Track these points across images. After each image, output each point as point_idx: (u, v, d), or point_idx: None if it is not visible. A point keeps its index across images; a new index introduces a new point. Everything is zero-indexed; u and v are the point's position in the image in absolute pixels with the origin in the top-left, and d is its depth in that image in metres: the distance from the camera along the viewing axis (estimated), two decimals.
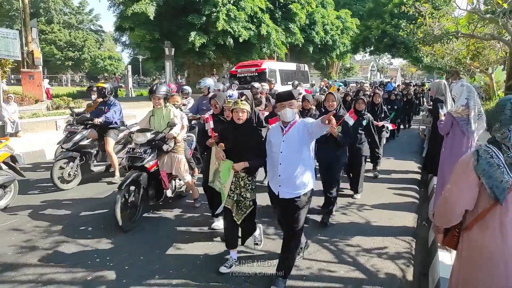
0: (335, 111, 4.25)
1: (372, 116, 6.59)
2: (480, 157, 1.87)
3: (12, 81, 37.77)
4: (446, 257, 3.42)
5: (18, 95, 13.80)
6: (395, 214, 5.14)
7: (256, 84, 8.78)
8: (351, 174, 6.03)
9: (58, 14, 52.74)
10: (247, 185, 3.55)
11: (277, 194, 3.25)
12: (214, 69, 27.76)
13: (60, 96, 18.04)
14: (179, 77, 34.36)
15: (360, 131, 5.73)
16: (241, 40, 23.01)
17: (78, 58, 50.24)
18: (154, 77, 54.70)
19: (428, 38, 11.94)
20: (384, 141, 7.91)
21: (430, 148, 5.89)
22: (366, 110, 6.02)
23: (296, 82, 13.23)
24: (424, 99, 16.83)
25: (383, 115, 7.44)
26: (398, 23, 31.25)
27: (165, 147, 4.87)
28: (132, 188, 4.64)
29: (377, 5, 36.83)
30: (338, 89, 13.83)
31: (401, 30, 16.38)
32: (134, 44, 31.80)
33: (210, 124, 3.97)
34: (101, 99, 6.92)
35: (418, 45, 16.71)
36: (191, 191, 5.47)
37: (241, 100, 3.51)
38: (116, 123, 6.64)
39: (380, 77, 55.54)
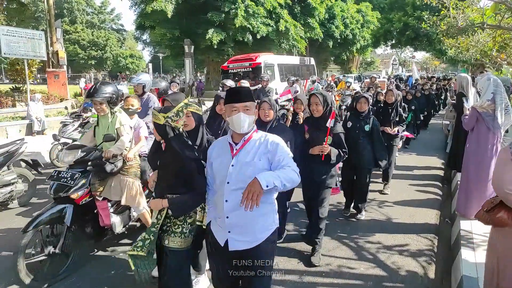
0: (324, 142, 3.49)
1: (384, 119, 5.55)
2: None
3: (38, 81, 38.99)
4: (469, 255, 3.35)
5: (44, 94, 14.25)
6: (417, 211, 5.06)
7: (229, 82, 7.31)
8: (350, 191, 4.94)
9: (81, 14, 54.03)
10: (178, 227, 2.47)
11: (223, 244, 2.18)
12: None
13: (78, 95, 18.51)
14: (198, 74, 34.64)
15: (362, 139, 4.56)
16: (259, 36, 22.96)
17: (101, 57, 51.35)
18: (174, 74, 55.33)
19: (452, 30, 11.59)
20: (396, 153, 6.17)
21: (453, 144, 5.75)
22: (370, 111, 4.77)
23: (293, 78, 11.66)
24: (448, 93, 15.00)
25: (398, 119, 5.77)
26: (420, 15, 30.42)
27: (108, 168, 3.64)
28: (62, 226, 3.41)
29: None
30: (349, 86, 11.60)
31: (423, 23, 15.87)
32: (154, 42, 32.22)
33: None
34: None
35: (441, 38, 16.22)
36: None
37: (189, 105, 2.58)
38: None
39: (402, 71, 54.28)
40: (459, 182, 4.78)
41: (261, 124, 3.50)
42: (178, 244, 2.44)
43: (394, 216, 4.89)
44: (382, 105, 5.94)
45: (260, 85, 9.26)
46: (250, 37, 23.05)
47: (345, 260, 3.72)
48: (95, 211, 3.75)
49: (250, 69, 15.45)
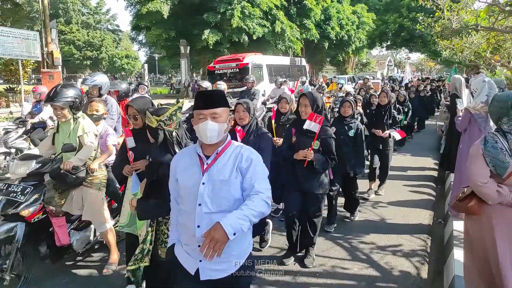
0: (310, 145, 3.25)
1: (377, 121, 5.43)
2: (487, 141, 2.29)
3: (33, 81, 38.75)
4: (461, 255, 3.36)
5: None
6: (410, 211, 5.09)
7: (205, 84, 6.83)
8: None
9: (76, 14, 53.76)
10: (166, 236, 2.37)
11: (193, 273, 1.84)
12: None
13: None
14: (194, 75, 34.64)
15: (346, 145, 4.34)
16: (255, 37, 23.00)
17: (96, 58, 51.13)
18: (170, 75, 55.27)
19: (446, 32, 11.68)
20: (391, 156, 5.92)
21: (447, 145, 5.80)
22: (355, 115, 4.61)
23: (281, 80, 11.27)
24: (442, 95, 14.89)
25: (391, 121, 5.51)
26: (415, 16, 30.62)
27: (69, 179, 3.21)
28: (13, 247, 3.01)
29: None
30: (341, 88, 11.09)
31: (418, 24, 15.92)
32: (150, 43, 32.18)
33: (128, 143, 2.84)
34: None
35: (436, 39, 16.31)
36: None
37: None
38: None
39: (398, 72, 54.51)
40: (452, 183, 4.82)
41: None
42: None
43: (388, 216, 4.91)
44: (374, 107, 5.75)
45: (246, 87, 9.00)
46: (246, 38, 23.09)
47: (338, 260, 3.74)
48: (51, 229, 3.34)
49: (237, 70, 14.71)
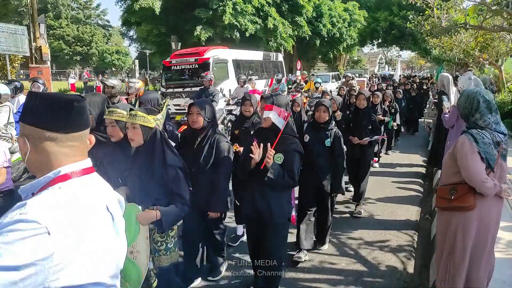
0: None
1: (355, 127, 4.75)
2: (476, 139, 2.38)
3: (22, 76, 38.19)
4: None
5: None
6: (398, 207, 5.16)
7: (110, 82, 5.09)
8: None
9: (66, 9, 53.06)
10: (161, 245, 2.32)
11: None
12: None
13: (67, 92, 18.25)
14: None
15: (321, 157, 3.61)
16: (247, 34, 22.95)
17: (86, 53, 50.60)
18: (160, 71, 54.94)
19: (436, 30, 11.81)
20: (370, 169, 5.30)
21: (435, 142, 5.88)
22: (332, 121, 3.80)
23: (243, 77, 10.17)
24: (430, 92, 13.81)
25: (370, 127, 4.80)
26: (406, 14, 30.89)
27: None
28: None
29: None
30: (317, 88, 9.91)
31: (408, 22, 15.98)
32: (141, 39, 31.90)
33: None
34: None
35: (425, 37, 16.44)
36: None
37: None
38: None
39: (389, 70, 54.93)
40: (439, 180, 4.89)
41: (192, 133, 2.98)
42: (165, 261, 2.28)
43: (376, 212, 4.98)
44: (352, 109, 4.96)
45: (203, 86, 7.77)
46: (238, 35, 23.03)
47: (327, 256, 3.78)
48: None
49: (196, 66, 12.62)
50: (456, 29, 12.02)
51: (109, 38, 58.34)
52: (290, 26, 26.54)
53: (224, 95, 9.90)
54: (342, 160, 3.72)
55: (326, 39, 32.43)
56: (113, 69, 52.45)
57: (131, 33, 34.61)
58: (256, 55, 17.40)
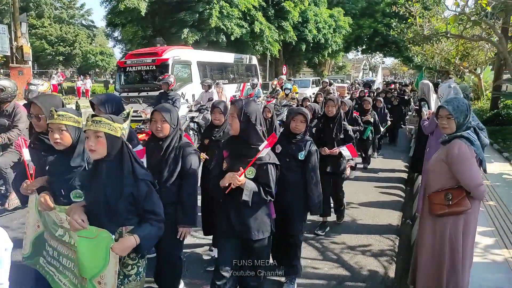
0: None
1: (325, 137, 4.25)
2: (471, 141, 2.48)
3: (1, 76, 37.30)
4: None
5: (20, 94, 13.67)
6: (380, 212, 5.23)
7: (6, 83, 4.74)
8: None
9: (48, 8, 52.07)
10: (132, 268, 2.06)
11: None
12: None
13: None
14: None
15: (294, 172, 3.14)
16: (233, 38, 23.00)
17: (69, 53, 49.72)
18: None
19: (418, 38, 12.09)
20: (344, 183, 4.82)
21: (416, 148, 5.99)
22: (307, 133, 3.30)
23: (209, 81, 9.42)
24: (411, 99, 13.64)
25: (342, 136, 4.30)
26: (389, 22, 31.54)
27: None
28: None
29: (370, 4, 37.01)
30: (287, 94, 9.05)
31: (392, 30, 16.32)
32: (126, 40, 31.59)
33: (25, 155, 2.32)
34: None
35: (408, 45, 16.80)
36: None
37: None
38: None
39: (372, 76, 55.86)
40: (420, 186, 4.99)
41: (156, 143, 2.71)
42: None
43: (359, 217, 5.03)
44: (323, 119, 4.43)
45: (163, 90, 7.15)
46: (224, 38, 23.05)
47: (309, 260, 3.80)
48: None
49: (154, 67, 11.30)
50: (438, 37, 12.34)
51: (93, 38, 57.51)
52: (277, 30, 26.74)
53: (187, 101, 9.31)
54: (316, 176, 3.18)
55: (311, 45, 32.79)
56: (97, 70, 51.72)
57: (116, 34, 34.22)
58: (226, 57, 16.02)
